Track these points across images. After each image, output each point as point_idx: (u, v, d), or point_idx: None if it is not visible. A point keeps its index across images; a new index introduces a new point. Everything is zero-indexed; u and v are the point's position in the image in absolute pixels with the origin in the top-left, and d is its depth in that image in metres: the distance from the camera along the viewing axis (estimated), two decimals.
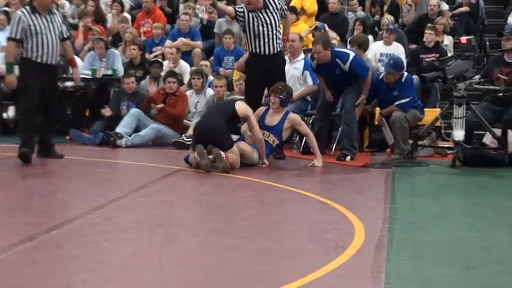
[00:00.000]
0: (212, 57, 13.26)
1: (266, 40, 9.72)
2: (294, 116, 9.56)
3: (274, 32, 9.74)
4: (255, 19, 9.71)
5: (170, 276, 4.64)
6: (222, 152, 8.72)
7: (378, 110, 10.79)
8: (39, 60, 9.15)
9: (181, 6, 15.03)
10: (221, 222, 6.29)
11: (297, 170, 9.30)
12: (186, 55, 13.29)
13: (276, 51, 9.80)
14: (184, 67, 12.73)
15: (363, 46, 11.07)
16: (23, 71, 9.32)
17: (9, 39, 9.24)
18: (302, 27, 13.22)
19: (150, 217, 6.36)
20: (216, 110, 9.66)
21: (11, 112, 12.24)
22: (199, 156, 8.68)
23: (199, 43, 13.66)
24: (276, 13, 9.76)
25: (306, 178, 8.84)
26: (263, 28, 9.70)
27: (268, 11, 9.74)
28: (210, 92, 11.77)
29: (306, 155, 10.18)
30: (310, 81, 11.08)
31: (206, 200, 7.34)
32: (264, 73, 9.72)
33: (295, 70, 11.14)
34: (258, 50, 9.76)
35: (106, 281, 4.49)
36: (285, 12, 10.00)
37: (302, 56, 11.24)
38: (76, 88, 12.43)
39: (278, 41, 9.80)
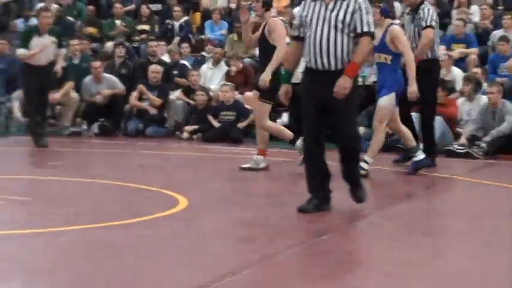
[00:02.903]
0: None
1: None
2: (395, 28, 8.68)
3: None
4: None
5: (438, 287, 4.56)
6: None
7: None
8: (308, 64, 6.61)
9: (453, 12, 14.73)
10: (493, 235, 6.07)
11: None
12: (460, 61, 13.00)
13: None
14: (457, 74, 12.46)
15: None
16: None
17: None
18: None
19: (420, 225, 6.29)
20: None
21: (284, 118, 12.57)
22: None
23: (474, 49, 13.30)
24: None
25: None
26: None
27: None
28: (483, 99, 11.41)
29: None
30: None
31: (475, 210, 7.12)
32: None
33: None
34: None
35: None
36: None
37: None
38: None
39: None
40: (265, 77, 8.57)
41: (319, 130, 6.55)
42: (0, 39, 14.59)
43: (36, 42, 11.20)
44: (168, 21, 16.19)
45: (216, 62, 14.10)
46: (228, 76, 13.67)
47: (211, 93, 13.40)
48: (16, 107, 12.91)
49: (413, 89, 8.65)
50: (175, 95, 13.56)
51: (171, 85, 13.78)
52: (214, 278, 4.52)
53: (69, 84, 12.92)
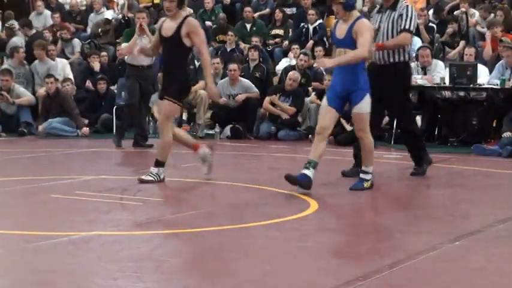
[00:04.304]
0: None
1: None
2: (363, 23, 7.64)
3: None
4: None
5: None
6: None
7: None
8: None
9: None
10: None
11: None
12: None
13: None
14: None
15: None
16: None
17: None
18: None
19: None
20: None
21: (418, 123, 12.35)
22: None
23: None
24: None
25: None
26: None
27: None
28: None
29: None
30: None
31: None
32: None
33: None
34: None
35: None
36: None
37: None
38: (483, 98, 12.26)
39: None
40: (215, 90, 8.39)
41: None
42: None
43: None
44: (302, 24, 16.25)
45: None
46: None
47: None
48: (155, 110, 13.19)
49: None
50: (309, 98, 13.58)
51: (305, 88, 13.81)
52: (345, 281, 4.51)
53: (200, 84, 13.18)
